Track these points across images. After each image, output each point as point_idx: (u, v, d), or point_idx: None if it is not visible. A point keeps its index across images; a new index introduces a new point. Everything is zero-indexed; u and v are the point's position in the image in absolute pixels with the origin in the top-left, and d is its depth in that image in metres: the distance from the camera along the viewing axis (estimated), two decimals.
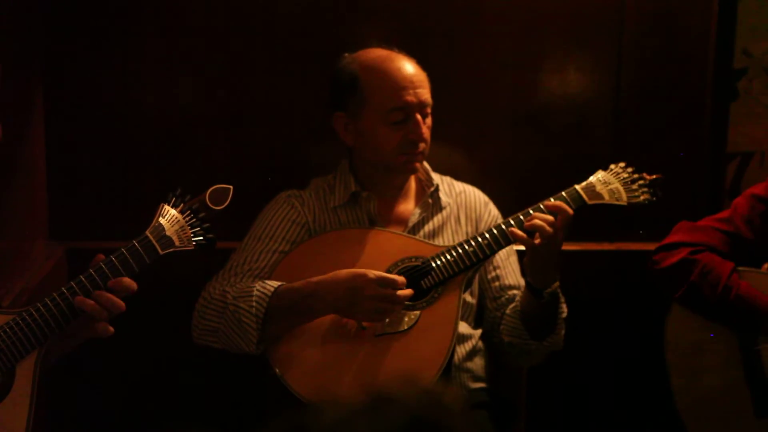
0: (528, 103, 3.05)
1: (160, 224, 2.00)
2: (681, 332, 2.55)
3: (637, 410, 3.09)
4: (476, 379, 2.56)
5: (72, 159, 2.95)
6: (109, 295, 1.94)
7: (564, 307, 2.52)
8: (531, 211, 2.43)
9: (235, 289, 2.39)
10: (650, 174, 2.56)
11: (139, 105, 2.95)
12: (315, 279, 2.36)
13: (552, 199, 2.46)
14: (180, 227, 2.02)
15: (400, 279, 2.36)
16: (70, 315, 1.91)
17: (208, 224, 2.05)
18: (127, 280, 1.97)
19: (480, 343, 2.59)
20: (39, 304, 1.89)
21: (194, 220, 2.03)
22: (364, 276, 2.32)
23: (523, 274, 2.55)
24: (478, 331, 2.60)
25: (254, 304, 2.34)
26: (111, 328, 1.98)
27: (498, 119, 3.05)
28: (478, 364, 2.57)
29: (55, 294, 1.90)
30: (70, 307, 1.90)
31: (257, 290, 2.36)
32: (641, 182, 2.54)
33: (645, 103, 3.06)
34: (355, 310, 2.35)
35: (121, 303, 1.96)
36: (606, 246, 3.05)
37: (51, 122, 2.91)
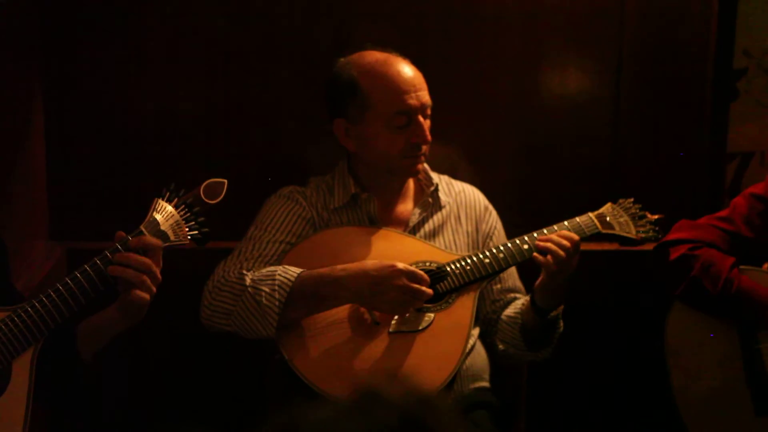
0: (527, 103, 3.05)
1: (155, 219, 1.99)
2: (681, 331, 2.55)
3: (637, 410, 3.09)
4: (476, 378, 2.55)
5: (72, 159, 2.96)
6: (135, 255, 1.94)
7: (561, 324, 2.55)
8: (546, 231, 2.48)
9: (254, 272, 2.37)
10: (653, 213, 2.64)
11: (139, 105, 2.95)
12: (339, 267, 2.35)
13: (566, 222, 2.53)
14: (175, 222, 2.01)
15: (425, 276, 2.36)
16: (66, 311, 1.91)
17: (203, 218, 2.04)
18: (149, 238, 1.96)
19: (480, 342, 2.59)
20: (34, 301, 1.89)
21: (189, 214, 2.03)
22: (393, 266, 2.32)
23: (526, 274, 2.58)
24: (477, 330, 2.60)
25: (277, 287, 2.31)
26: (146, 295, 1.95)
27: (497, 120, 3.05)
28: (478, 363, 2.57)
29: (50, 290, 1.90)
30: (65, 303, 1.90)
31: (280, 274, 2.33)
32: (646, 219, 2.63)
33: (645, 103, 3.06)
34: (380, 300, 2.34)
35: (148, 261, 1.95)
36: (606, 246, 3.04)
37: (51, 122, 2.92)
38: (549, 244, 2.40)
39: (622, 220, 2.60)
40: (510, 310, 2.58)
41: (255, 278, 2.35)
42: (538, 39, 3.01)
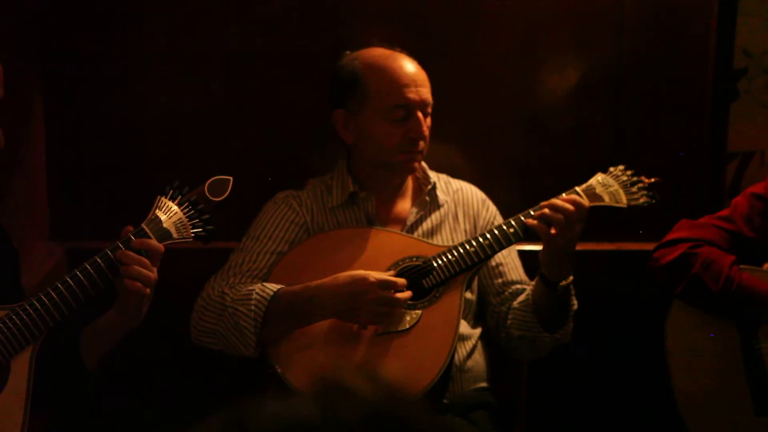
0: (528, 103, 3.05)
1: (157, 217, 1.98)
2: (681, 331, 2.54)
3: (637, 410, 3.09)
4: (476, 378, 2.55)
5: (72, 159, 2.96)
6: (131, 253, 1.93)
7: (574, 301, 2.52)
8: (532, 212, 2.44)
9: (234, 291, 2.39)
10: (648, 177, 2.57)
11: (139, 105, 2.95)
12: (314, 283, 2.36)
13: (564, 194, 2.47)
14: (178, 219, 2.00)
15: (401, 281, 2.36)
16: (65, 310, 1.90)
17: (207, 216, 2.03)
18: (152, 241, 1.95)
19: (480, 342, 2.59)
20: (34, 299, 1.89)
21: (193, 212, 2.01)
22: (365, 279, 2.32)
23: (525, 269, 2.57)
24: (478, 330, 2.59)
25: (253, 307, 2.34)
26: (145, 290, 1.95)
27: (498, 119, 3.05)
28: (478, 363, 2.56)
29: (49, 289, 1.89)
30: (65, 302, 1.90)
31: (256, 293, 2.36)
32: (640, 185, 2.55)
33: (645, 103, 3.06)
34: (356, 314, 2.35)
35: (146, 261, 1.94)
36: (606, 246, 3.04)
37: (51, 122, 2.92)
38: (544, 211, 2.37)
39: (612, 189, 2.52)
40: (520, 298, 2.55)
41: (235, 298, 2.38)
42: (538, 39, 3.01)
